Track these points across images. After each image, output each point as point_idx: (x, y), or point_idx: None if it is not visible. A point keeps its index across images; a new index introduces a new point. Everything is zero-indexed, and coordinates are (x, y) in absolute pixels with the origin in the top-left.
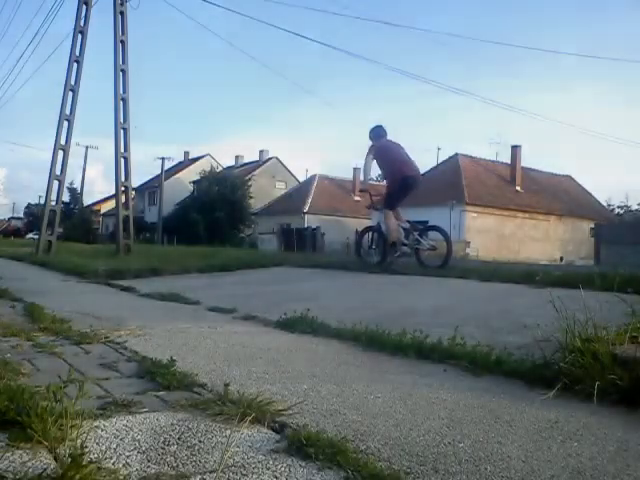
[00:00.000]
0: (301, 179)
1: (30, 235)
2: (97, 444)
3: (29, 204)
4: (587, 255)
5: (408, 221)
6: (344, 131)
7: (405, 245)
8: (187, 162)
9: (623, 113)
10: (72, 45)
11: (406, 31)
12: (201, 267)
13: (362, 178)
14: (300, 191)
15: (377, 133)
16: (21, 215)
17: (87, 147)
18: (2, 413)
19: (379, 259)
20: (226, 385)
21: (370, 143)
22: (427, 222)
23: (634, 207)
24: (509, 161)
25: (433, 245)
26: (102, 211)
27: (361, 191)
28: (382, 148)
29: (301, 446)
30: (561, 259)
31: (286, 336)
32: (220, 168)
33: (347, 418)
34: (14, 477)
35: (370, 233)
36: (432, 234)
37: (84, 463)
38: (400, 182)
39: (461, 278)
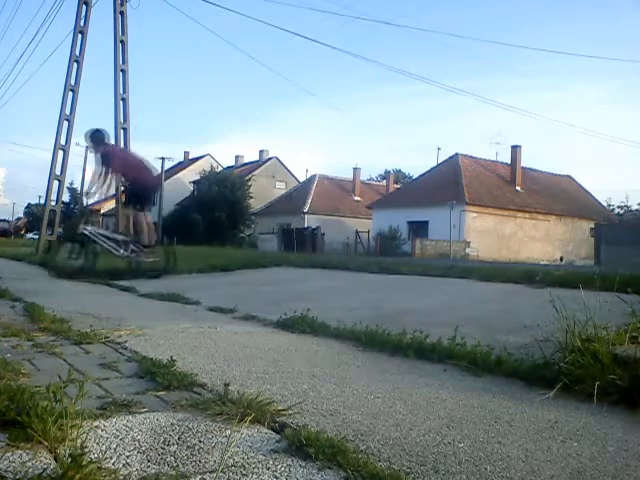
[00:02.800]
0: (301, 179)
1: (30, 235)
2: (97, 444)
3: (29, 204)
4: (587, 255)
5: (122, 233)
6: (344, 131)
7: (119, 256)
8: (187, 162)
9: (623, 113)
10: (72, 45)
11: (406, 31)
12: (201, 267)
13: (97, 192)
14: (300, 191)
15: (100, 138)
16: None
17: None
18: (2, 413)
19: (81, 267)
20: (226, 385)
21: (94, 150)
22: (427, 222)
23: (634, 207)
24: (509, 161)
25: (150, 256)
26: (102, 211)
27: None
28: (120, 153)
29: (301, 446)
30: (561, 259)
31: (286, 336)
32: (220, 168)
33: (347, 418)
34: (14, 477)
35: (74, 243)
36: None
37: (84, 463)
38: (149, 184)
39: (461, 278)
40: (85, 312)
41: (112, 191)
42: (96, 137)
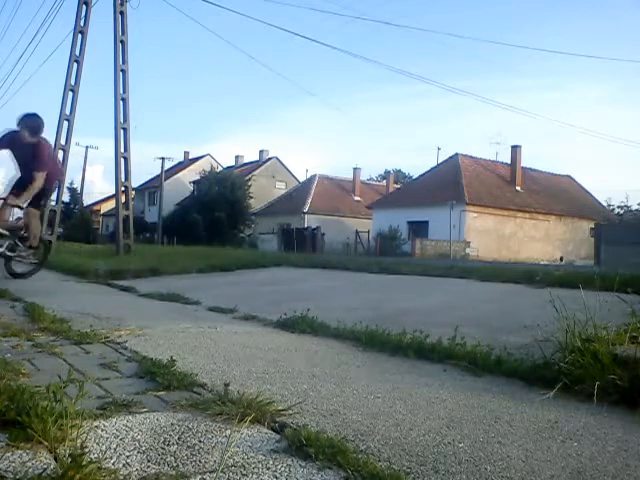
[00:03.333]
0: (301, 179)
1: None
2: (97, 444)
3: None
4: (587, 255)
5: (3, 227)
6: (344, 131)
7: None
8: (187, 162)
9: (623, 113)
10: (72, 45)
11: (406, 31)
12: (201, 267)
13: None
14: (300, 191)
15: (39, 126)
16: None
17: (87, 147)
18: (2, 413)
19: None
20: (226, 385)
21: (28, 138)
22: (427, 222)
23: (634, 207)
24: (509, 161)
25: (31, 257)
26: (102, 211)
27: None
28: (51, 151)
29: (301, 446)
30: (561, 259)
31: (286, 336)
32: (220, 168)
33: (347, 418)
34: (14, 477)
35: None
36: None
37: (84, 463)
38: (55, 182)
39: (461, 278)
40: (85, 312)
41: None
42: (36, 125)
